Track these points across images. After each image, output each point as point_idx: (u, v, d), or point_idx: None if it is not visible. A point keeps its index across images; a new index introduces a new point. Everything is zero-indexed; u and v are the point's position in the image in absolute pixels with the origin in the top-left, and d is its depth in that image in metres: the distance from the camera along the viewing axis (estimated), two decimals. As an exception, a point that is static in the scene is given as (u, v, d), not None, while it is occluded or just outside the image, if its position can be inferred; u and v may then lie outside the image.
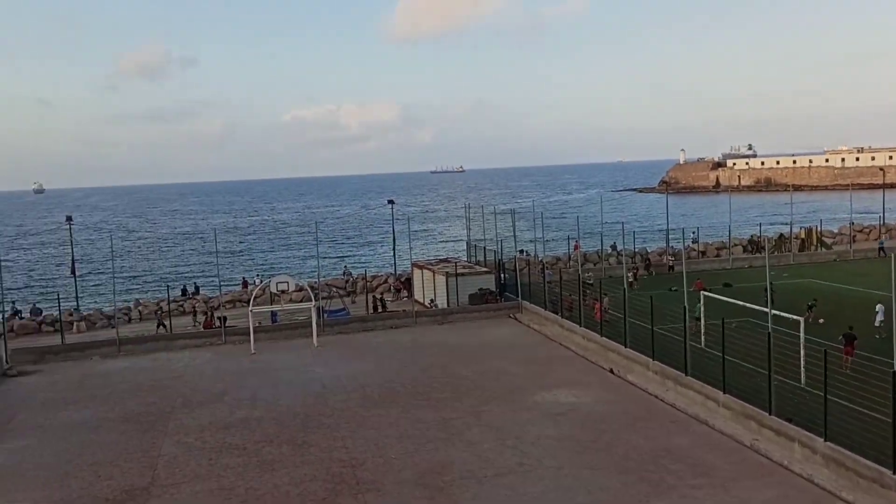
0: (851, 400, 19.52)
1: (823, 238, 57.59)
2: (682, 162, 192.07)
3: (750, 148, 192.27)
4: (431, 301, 42.34)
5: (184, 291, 55.09)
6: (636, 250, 55.32)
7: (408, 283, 47.91)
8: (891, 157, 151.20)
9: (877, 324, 29.05)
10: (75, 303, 49.70)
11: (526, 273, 41.18)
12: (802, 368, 22.76)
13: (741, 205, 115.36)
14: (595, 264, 52.16)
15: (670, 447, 20.00)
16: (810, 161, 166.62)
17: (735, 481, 17.77)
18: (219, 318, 39.45)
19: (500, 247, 45.57)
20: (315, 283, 43.84)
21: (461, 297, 40.81)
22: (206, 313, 42.82)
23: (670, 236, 56.85)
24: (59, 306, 41.53)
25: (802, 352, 23.00)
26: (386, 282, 52.25)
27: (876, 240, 58.41)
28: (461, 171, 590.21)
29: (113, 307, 43.65)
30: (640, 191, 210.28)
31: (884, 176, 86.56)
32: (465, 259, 51.28)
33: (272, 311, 39.39)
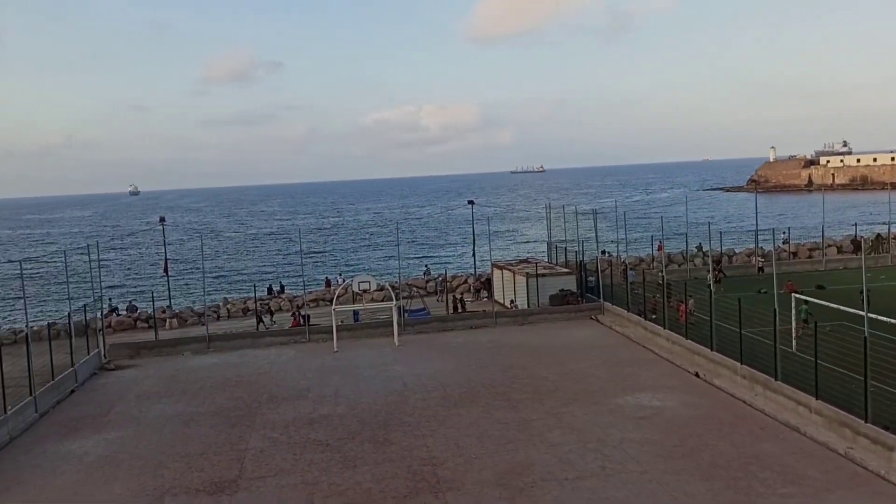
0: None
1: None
2: (772, 160, 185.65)
3: (845, 145, 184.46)
4: (511, 302, 42.19)
5: (269, 290, 56.58)
6: (722, 251, 53.78)
7: (488, 284, 47.87)
8: None
9: None
10: (168, 300, 51.63)
11: (608, 274, 40.54)
12: (902, 375, 21.65)
13: (835, 204, 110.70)
14: (680, 265, 50.97)
15: (759, 454, 19.35)
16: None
17: (828, 491, 17.06)
18: (302, 316, 40.36)
19: (581, 247, 45.05)
20: (396, 283, 44.30)
21: (542, 297, 40.52)
22: (299, 315, 43.89)
23: (760, 237, 55.02)
24: (153, 304, 43.26)
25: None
26: (466, 282, 52.36)
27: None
28: (541, 172, 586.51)
29: (203, 305, 45.21)
30: (728, 190, 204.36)
31: None
32: (546, 260, 50.89)
33: (354, 311, 40.03)
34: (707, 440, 20.50)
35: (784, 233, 58.42)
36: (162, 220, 57.32)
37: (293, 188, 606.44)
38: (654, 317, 33.00)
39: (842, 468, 18.29)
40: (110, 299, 54.63)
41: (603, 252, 52.33)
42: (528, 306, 40.34)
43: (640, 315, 34.15)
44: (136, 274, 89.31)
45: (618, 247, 51.03)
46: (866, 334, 19.91)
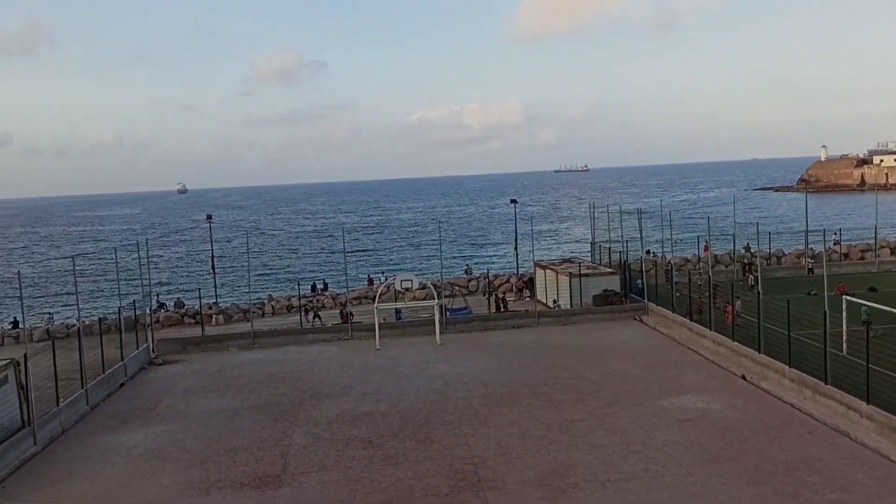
0: None
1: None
2: (823, 159, 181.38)
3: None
4: (554, 301, 41.98)
5: (313, 288, 57.14)
6: (770, 252, 52.77)
7: (530, 284, 47.69)
8: None
9: None
10: (214, 297, 52.48)
11: (652, 274, 40.07)
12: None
13: (890, 204, 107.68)
14: (727, 266, 50.14)
15: (807, 459, 18.94)
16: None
17: (879, 498, 16.62)
18: (345, 313, 40.70)
19: (625, 247, 44.60)
20: (438, 281, 44.37)
21: (585, 297, 40.23)
22: (346, 313, 44.26)
23: (810, 238, 53.83)
24: (200, 300, 44.02)
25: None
26: (508, 282, 52.23)
27: None
28: (585, 171, 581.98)
29: (248, 302, 45.88)
30: (777, 189, 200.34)
31: None
32: (590, 259, 50.51)
33: (396, 309, 40.22)
34: (753, 444, 20.14)
35: (835, 234, 57.10)
36: (209, 217, 58.31)
37: (337, 187, 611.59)
38: (699, 318, 32.52)
39: (893, 475, 17.81)
40: (158, 295, 55.74)
41: (647, 252, 51.77)
42: (571, 306, 40.08)
43: (685, 316, 33.69)
44: (184, 271, 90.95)
45: (662, 247, 50.41)
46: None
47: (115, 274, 36.46)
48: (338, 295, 51.49)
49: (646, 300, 38.60)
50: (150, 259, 40.88)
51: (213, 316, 46.57)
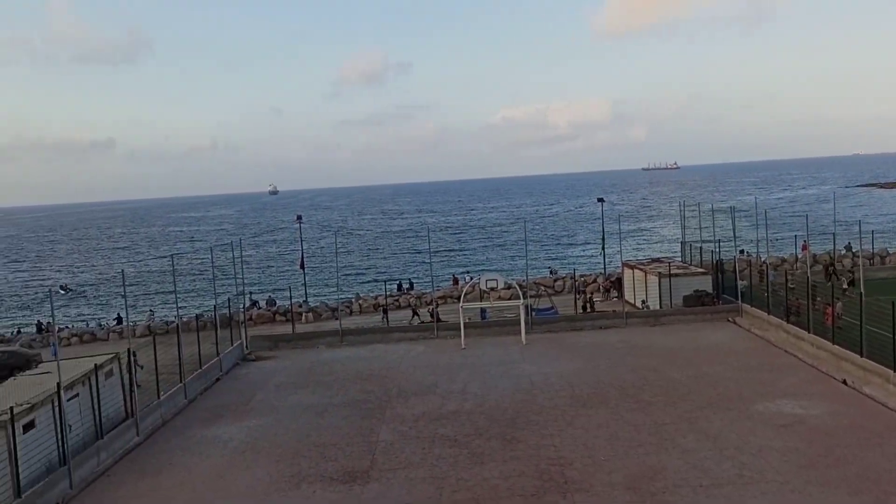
0: None
1: None
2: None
3: None
4: (643, 302, 41.16)
5: (399, 287, 57.83)
6: (874, 251, 50.29)
7: (618, 283, 46.92)
8: None
9: None
10: (304, 295, 53.77)
11: (746, 274, 38.76)
12: None
13: None
14: (827, 266, 48.01)
15: (916, 470, 17.94)
16: None
17: None
18: (416, 313, 41.06)
19: (717, 246, 43.30)
20: (523, 281, 44.17)
21: (675, 298, 39.29)
22: (416, 311, 44.72)
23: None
24: (291, 298, 45.21)
25: None
26: (595, 281, 51.54)
27: None
28: (675, 168, 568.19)
29: (336, 300, 46.78)
30: (882, 186, 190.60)
31: None
32: (680, 259, 49.30)
33: (482, 308, 40.26)
34: (855, 451, 19.23)
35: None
36: (299, 218, 59.88)
37: (422, 186, 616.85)
38: (796, 320, 31.27)
39: None
40: (251, 293, 57.49)
41: (741, 251, 50.15)
42: (661, 307, 39.22)
43: (781, 318, 32.45)
44: (275, 270, 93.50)
45: (757, 246, 48.72)
46: None
47: (211, 273, 37.79)
48: (423, 294, 51.93)
49: (739, 301, 37.38)
50: (243, 258, 42.23)
51: (303, 314, 47.74)
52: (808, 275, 36.38)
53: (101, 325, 52.54)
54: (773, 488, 17.36)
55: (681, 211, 54.44)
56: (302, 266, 58.83)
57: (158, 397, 26.11)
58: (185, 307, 59.80)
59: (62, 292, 78.62)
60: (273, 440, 23.05)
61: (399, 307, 50.34)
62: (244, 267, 42.07)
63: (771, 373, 27.04)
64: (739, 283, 37.90)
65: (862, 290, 29.23)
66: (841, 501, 16.51)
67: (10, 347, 40.92)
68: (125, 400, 25.20)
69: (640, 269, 43.28)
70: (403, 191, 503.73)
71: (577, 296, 43.42)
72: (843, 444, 19.73)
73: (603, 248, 55.94)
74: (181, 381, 28.01)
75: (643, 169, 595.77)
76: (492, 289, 37.04)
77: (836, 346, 27.20)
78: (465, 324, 35.50)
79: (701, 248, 45.80)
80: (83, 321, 60.93)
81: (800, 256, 47.90)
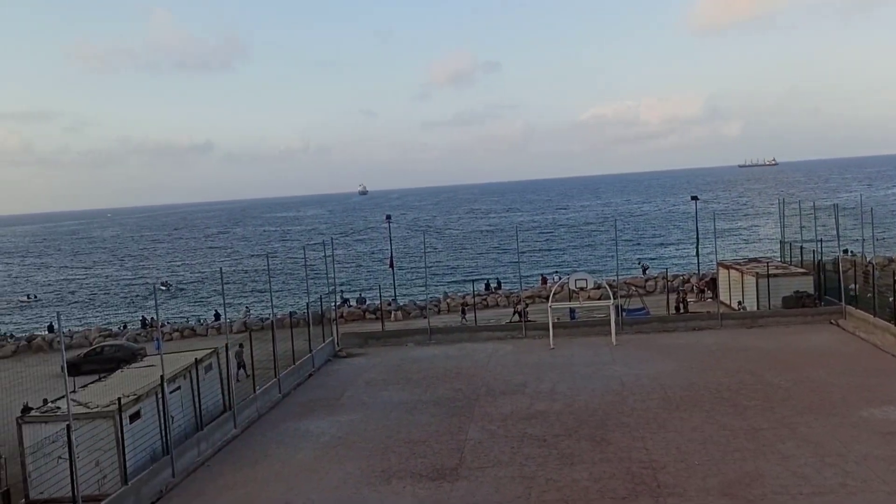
0: None
1: None
2: None
3: None
4: (739, 303, 39.86)
5: (486, 286, 57.90)
6: None
7: (712, 284, 45.61)
8: None
9: None
10: (393, 294, 54.48)
11: (851, 275, 36.99)
12: None
13: None
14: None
15: None
16: None
17: None
18: (518, 312, 40.89)
19: (819, 246, 41.48)
20: (614, 281, 43.49)
21: (773, 299, 37.85)
22: (518, 310, 44.53)
23: None
24: (380, 297, 45.88)
25: None
26: (688, 282, 50.28)
27: None
28: (773, 165, 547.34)
29: (425, 299, 47.19)
30: None
31: None
32: (779, 259, 47.49)
33: (570, 308, 39.84)
34: (973, 464, 18.07)
35: None
36: (388, 218, 60.73)
37: (509, 186, 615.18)
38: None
39: None
40: (342, 292, 58.67)
41: (845, 251, 47.89)
42: (758, 308, 37.88)
43: (889, 321, 30.81)
44: (365, 269, 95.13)
45: (863, 245, 46.46)
46: None
47: (304, 271, 38.72)
48: (511, 293, 51.81)
49: (843, 303, 35.70)
50: (334, 257, 43.11)
51: (392, 312, 48.39)
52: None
53: (200, 321, 54.69)
54: (880, 498, 16.52)
55: (780, 209, 52.42)
56: (391, 265, 59.64)
57: (254, 391, 26.97)
58: (280, 305, 61.54)
59: (163, 289, 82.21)
60: (363, 435, 23.45)
61: (486, 306, 50.41)
62: (335, 266, 42.94)
63: (877, 378, 25.71)
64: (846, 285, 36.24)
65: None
66: (957, 516, 15.57)
67: (118, 341, 43.15)
68: (223, 393, 26.15)
69: (737, 269, 41.92)
70: (491, 190, 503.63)
71: (676, 294, 42.39)
72: (958, 456, 18.58)
73: (697, 248, 54.50)
74: (276, 377, 28.83)
75: (739, 166, 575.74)
76: (581, 289, 36.56)
77: (951, 352, 25.65)
78: (553, 324, 35.20)
79: (802, 247, 44.00)
80: (184, 317, 63.53)
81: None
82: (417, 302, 52.52)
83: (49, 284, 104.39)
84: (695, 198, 60.13)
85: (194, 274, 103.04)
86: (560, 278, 49.94)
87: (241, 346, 30.37)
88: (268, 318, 44.18)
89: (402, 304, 51.89)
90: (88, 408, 20.61)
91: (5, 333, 57.11)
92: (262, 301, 65.94)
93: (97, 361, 36.53)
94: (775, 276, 38.91)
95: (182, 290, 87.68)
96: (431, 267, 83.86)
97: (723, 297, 42.91)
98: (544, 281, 57.63)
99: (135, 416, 21.01)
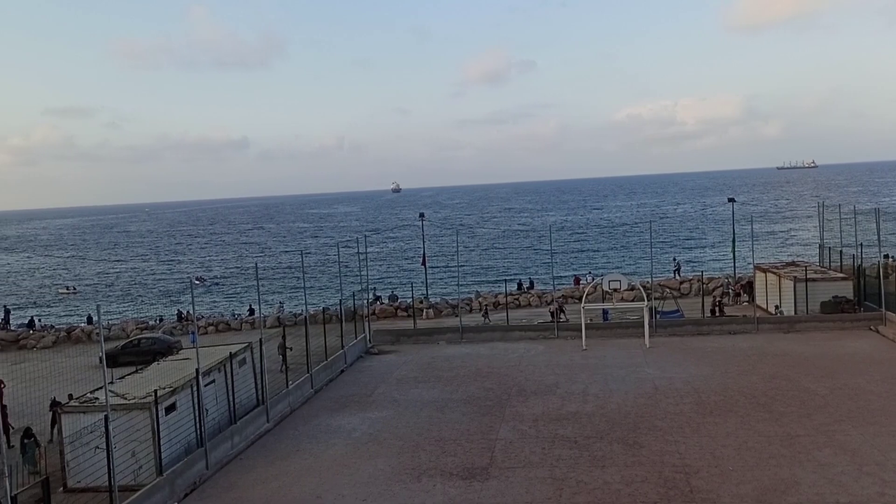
0: None
1: None
2: None
3: None
4: (776, 307, 39.26)
5: (519, 286, 57.71)
6: None
7: (749, 287, 44.99)
8: None
9: None
10: (425, 292, 54.56)
11: (892, 281, 36.24)
12: None
13: None
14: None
15: None
16: None
17: None
18: (551, 312, 40.71)
19: (859, 250, 40.70)
20: (648, 283, 43.10)
21: (811, 304, 37.23)
22: (552, 311, 44.42)
23: None
24: (412, 294, 45.98)
25: None
26: (723, 285, 49.66)
27: None
28: (812, 167, 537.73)
29: (457, 297, 47.19)
30: None
31: None
32: (817, 263, 46.69)
33: (604, 309, 39.58)
34: None
35: None
36: (421, 216, 60.80)
37: (543, 185, 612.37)
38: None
39: None
40: (374, 289, 58.90)
41: (886, 256, 46.94)
42: (796, 313, 37.28)
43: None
44: (397, 266, 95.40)
45: (905, 250, 45.52)
46: None
47: (337, 268, 38.95)
48: (543, 293, 51.60)
49: (884, 309, 34.97)
50: (367, 254, 43.33)
51: (424, 310, 48.47)
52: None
53: (234, 316, 55.28)
54: (921, 511, 16.16)
55: (819, 212, 51.54)
56: (424, 263, 59.72)
57: (287, 386, 27.20)
58: (313, 302, 61.98)
59: (198, 283, 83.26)
60: (394, 432, 23.52)
61: (518, 306, 50.27)
62: (367, 263, 43.16)
63: (919, 387, 25.16)
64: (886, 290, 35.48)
65: None
66: None
67: (154, 334, 43.80)
68: (256, 387, 26.41)
69: (774, 273, 41.29)
70: (524, 189, 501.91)
71: (716, 296, 41.83)
72: None
73: (733, 250, 53.77)
74: (308, 372, 29.05)
75: (778, 168, 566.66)
76: (615, 290, 36.29)
77: None
78: (586, 325, 34.99)
79: (841, 251, 43.21)
80: (218, 311, 64.29)
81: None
82: (449, 300, 52.53)
83: (88, 277, 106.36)
84: (732, 199, 59.31)
85: (229, 269, 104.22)
86: (593, 279, 49.61)
87: (283, 337, 31.13)
88: (301, 314, 44.56)
89: (433, 302, 51.95)
90: (125, 399, 20.96)
91: (46, 324, 58.29)
92: (296, 297, 66.47)
93: (134, 353, 37.14)
94: (814, 280, 38.25)
95: (217, 284, 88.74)
96: (464, 266, 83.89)
97: (759, 300, 42.32)
98: (577, 281, 57.29)
99: (170, 409, 21.31)
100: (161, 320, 55.54)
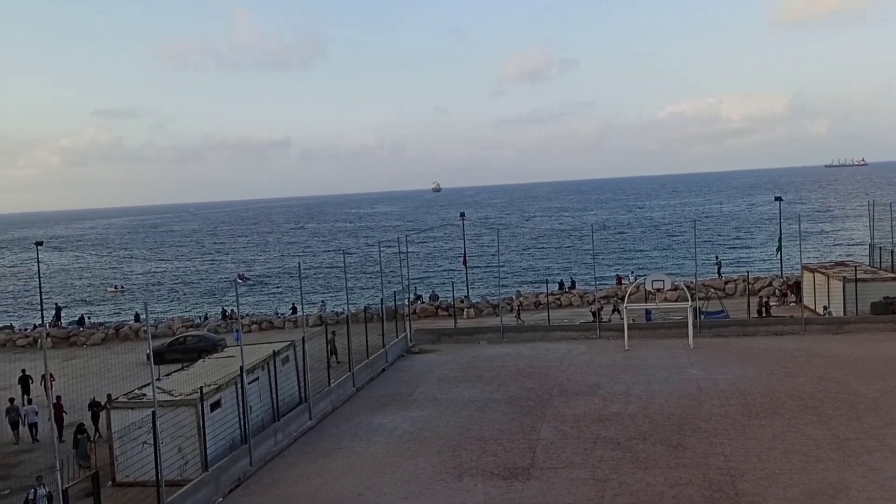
0: None
1: None
2: None
3: None
4: (825, 308, 38.43)
5: (560, 285, 57.38)
6: None
7: (796, 288, 44.11)
8: None
9: None
10: (466, 291, 54.55)
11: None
12: None
13: None
14: None
15: None
16: None
17: None
18: (592, 312, 40.39)
19: (911, 250, 39.66)
20: (691, 283, 42.51)
21: (861, 305, 36.36)
22: (594, 311, 44.11)
23: None
24: (453, 294, 46.00)
25: None
26: (770, 285, 48.78)
27: None
28: (862, 165, 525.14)
29: (497, 297, 47.08)
30: None
31: None
32: (867, 263, 45.58)
33: (646, 309, 39.16)
34: None
35: None
36: (462, 215, 60.81)
37: (583, 184, 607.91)
38: None
39: None
40: (415, 288, 59.06)
41: (939, 256, 45.63)
42: (845, 314, 36.45)
43: None
44: (437, 266, 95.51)
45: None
46: None
47: (378, 267, 39.17)
48: (585, 293, 51.23)
49: (937, 310, 34.02)
50: (408, 254, 43.46)
51: (465, 309, 48.46)
52: None
53: (277, 314, 55.91)
54: (978, 518, 15.68)
55: (869, 211, 50.32)
56: (464, 262, 59.73)
57: (329, 384, 27.42)
58: (354, 301, 62.37)
59: (241, 281, 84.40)
60: (435, 431, 23.57)
61: (560, 306, 49.99)
62: (408, 262, 43.30)
63: (975, 390, 24.41)
64: None
65: None
66: None
67: (200, 332, 44.51)
68: (299, 385, 26.67)
69: (822, 273, 40.42)
70: (565, 188, 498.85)
71: (761, 298, 41.08)
72: None
73: (780, 250, 52.76)
74: (349, 371, 29.26)
75: (826, 166, 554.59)
76: (658, 290, 35.87)
77: None
78: (628, 325, 34.66)
79: (893, 251, 42.16)
80: (262, 310, 65.08)
81: None
82: (490, 300, 52.46)
83: (135, 275, 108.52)
84: (778, 198, 58.22)
85: (272, 268, 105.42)
86: (636, 279, 49.11)
87: (333, 333, 31.53)
88: (343, 313, 44.89)
89: (474, 301, 51.91)
90: (172, 396, 21.34)
91: (96, 322, 59.66)
92: (338, 296, 66.96)
93: (180, 351, 37.78)
94: (864, 280, 37.38)
95: (260, 282, 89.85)
96: (504, 265, 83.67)
97: (807, 301, 41.49)
98: (619, 281, 56.77)
99: (215, 405, 21.64)
100: (206, 318, 56.41)
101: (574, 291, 53.89)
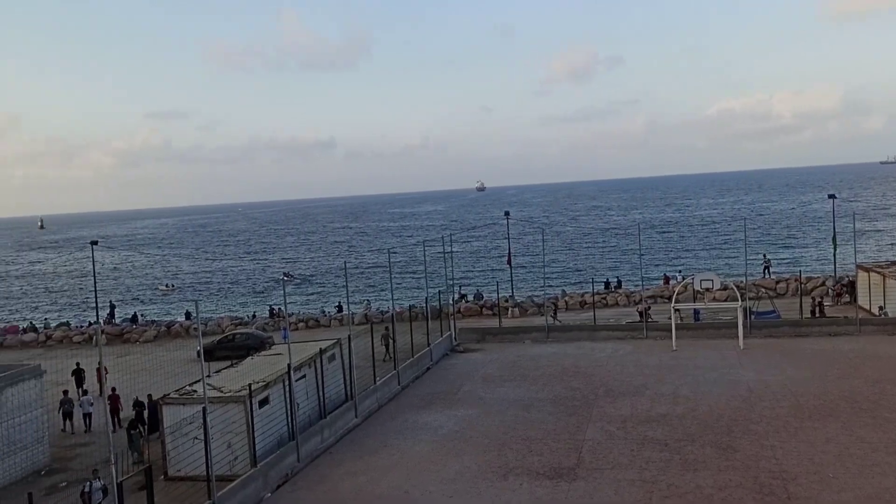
0: None
1: None
2: None
3: None
4: (880, 308, 37.39)
5: (606, 285, 56.88)
6: None
7: (851, 287, 43.02)
8: None
9: None
10: (510, 290, 54.39)
11: None
12: None
13: None
14: None
15: None
16: None
17: None
18: (639, 312, 39.96)
19: (972, 248, 38.36)
20: (741, 282, 41.74)
21: (918, 305, 35.30)
22: (641, 311, 43.57)
23: None
24: (497, 293, 45.92)
25: None
26: (823, 285, 47.68)
27: None
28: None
29: (542, 296, 46.84)
30: None
31: None
32: (925, 262, 44.26)
33: (695, 309, 38.60)
34: None
35: None
36: (506, 214, 60.70)
37: (630, 183, 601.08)
38: None
39: None
40: (459, 287, 59.09)
41: None
42: (901, 314, 35.42)
43: None
44: (482, 265, 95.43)
45: None
46: None
47: (423, 266, 39.26)
48: (632, 293, 50.70)
49: None
50: (452, 253, 43.49)
51: (509, 309, 48.35)
52: None
53: (324, 313, 56.47)
54: None
55: (927, 209, 48.83)
56: (509, 262, 59.58)
57: (374, 382, 27.60)
58: (399, 300, 62.64)
59: (287, 279, 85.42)
60: (480, 430, 23.55)
61: (606, 305, 49.56)
62: (453, 261, 43.33)
63: None
64: None
65: None
66: None
67: (248, 330, 45.18)
68: (345, 383, 26.91)
69: (878, 273, 39.33)
70: (611, 187, 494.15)
71: (814, 298, 40.13)
72: None
73: (834, 249, 51.55)
74: (395, 369, 29.41)
75: (881, 162, 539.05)
76: (707, 289, 35.33)
77: None
78: (676, 325, 34.18)
79: (952, 250, 40.84)
80: (308, 309, 65.81)
81: None
82: (535, 299, 52.23)
83: (185, 274, 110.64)
84: (832, 196, 56.83)
85: (317, 267, 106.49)
86: (684, 278, 48.40)
87: (387, 328, 31.77)
88: (388, 312, 45.12)
89: (519, 301, 51.74)
90: (222, 392, 21.70)
91: (148, 319, 60.99)
92: (383, 295, 67.32)
93: (229, 348, 38.39)
94: (922, 280, 36.26)
95: (307, 281, 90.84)
96: (549, 265, 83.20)
97: (862, 301, 40.42)
98: (667, 280, 56.02)
99: (264, 402, 21.94)
100: (254, 317, 57.22)
101: (620, 291, 53.36)
